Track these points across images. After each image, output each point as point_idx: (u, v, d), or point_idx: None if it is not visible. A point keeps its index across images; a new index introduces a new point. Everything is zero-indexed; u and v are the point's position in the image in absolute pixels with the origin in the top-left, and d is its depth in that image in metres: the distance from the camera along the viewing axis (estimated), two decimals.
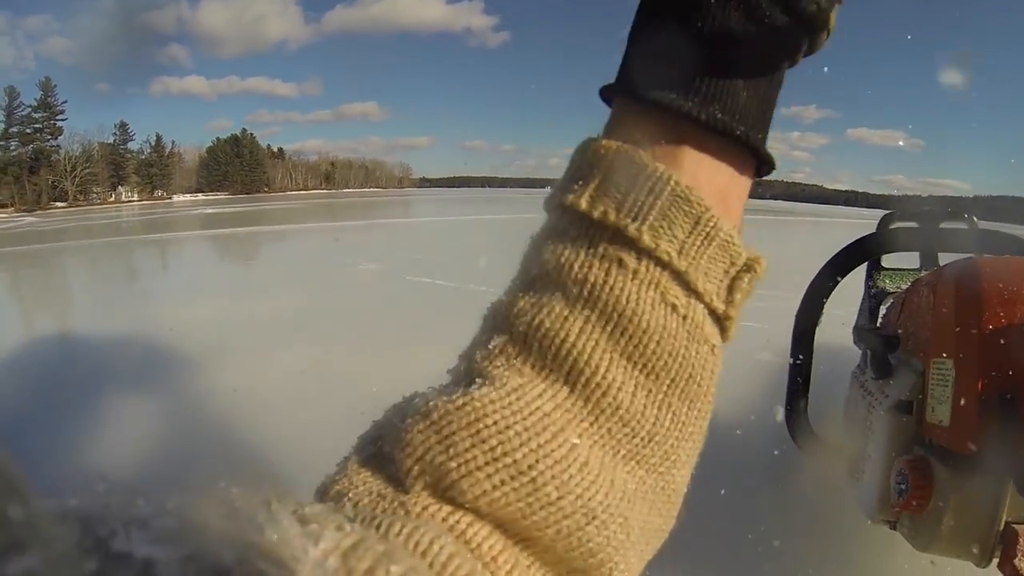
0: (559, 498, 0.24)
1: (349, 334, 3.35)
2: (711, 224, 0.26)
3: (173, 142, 54.68)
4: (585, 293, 0.26)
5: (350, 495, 0.25)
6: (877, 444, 1.12)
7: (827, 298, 1.48)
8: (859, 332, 1.34)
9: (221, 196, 49.61)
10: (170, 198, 49.65)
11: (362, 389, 2.16)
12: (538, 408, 0.25)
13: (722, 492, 1.17)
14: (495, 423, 0.24)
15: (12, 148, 43.29)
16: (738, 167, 0.28)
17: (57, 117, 45.47)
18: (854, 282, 1.58)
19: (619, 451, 0.26)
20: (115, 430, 2.21)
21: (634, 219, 0.26)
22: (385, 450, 0.27)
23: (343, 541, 0.20)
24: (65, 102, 45.76)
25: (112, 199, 47.38)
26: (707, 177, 0.27)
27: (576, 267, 0.26)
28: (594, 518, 0.25)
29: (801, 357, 1.50)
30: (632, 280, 0.26)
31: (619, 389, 0.26)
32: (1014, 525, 0.90)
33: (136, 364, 2.84)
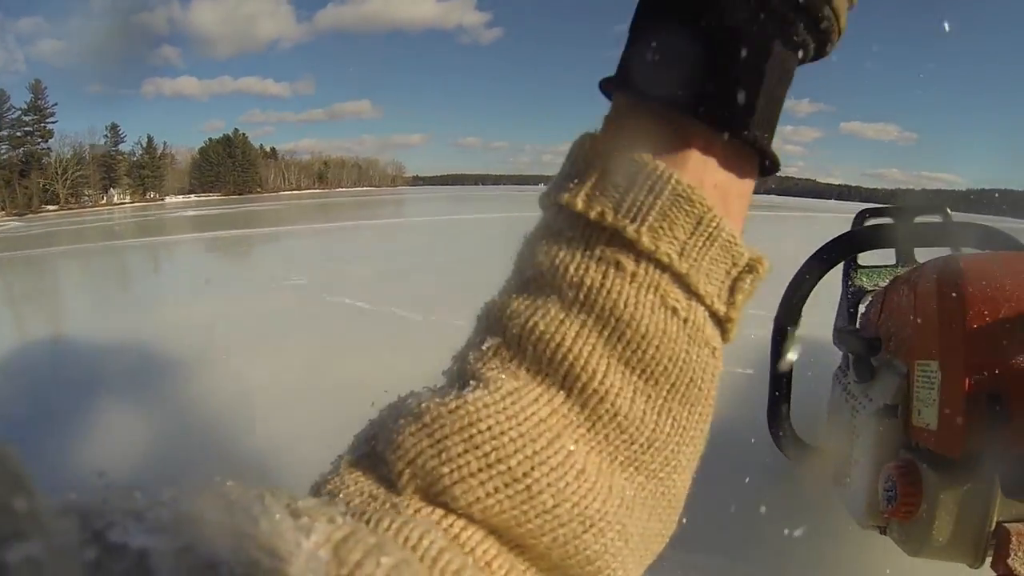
0: (555, 506, 0.24)
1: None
2: (713, 224, 0.25)
3: (165, 143, 54.55)
4: (581, 297, 0.25)
5: (342, 494, 0.25)
6: (863, 449, 1.10)
7: (806, 299, 1.45)
8: (840, 334, 1.31)
9: (213, 197, 49.37)
10: (162, 200, 49.39)
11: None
12: (533, 413, 0.24)
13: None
14: (489, 428, 0.24)
15: (2, 151, 43.13)
16: (742, 166, 0.27)
17: (47, 120, 45.24)
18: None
19: (617, 457, 0.25)
20: (91, 438, 2.20)
21: (633, 220, 0.25)
22: (379, 449, 0.26)
23: (334, 533, 0.20)
24: (55, 104, 45.57)
25: (104, 201, 47.12)
26: (710, 176, 0.26)
27: (572, 269, 0.25)
28: (591, 526, 0.24)
29: (781, 359, 1.48)
30: (630, 283, 0.25)
31: (617, 395, 0.25)
32: (1006, 524, 0.89)
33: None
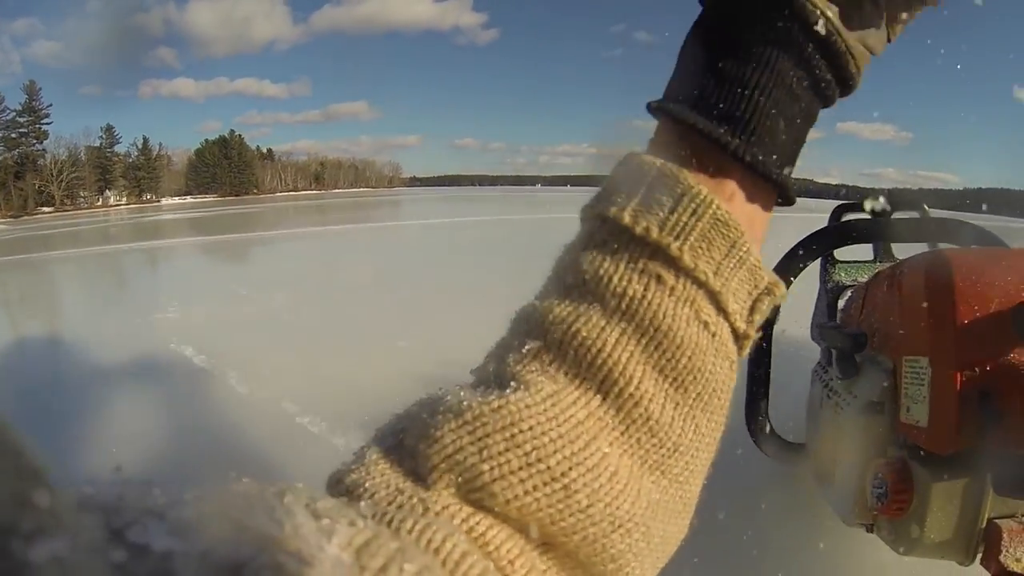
0: (589, 505, 0.25)
1: None
2: (744, 249, 0.27)
3: (160, 144, 54.49)
4: (623, 306, 0.27)
5: (366, 485, 0.25)
6: (848, 447, 1.08)
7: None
8: (822, 330, 1.27)
9: (209, 199, 49.34)
10: (159, 201, 49.34)
11: None
12: (572, 416, 0.25)
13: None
14: (531, 428, 0.25)
15: None
16: (765, 200, 0.30)
17: (42, 121, 45.18)
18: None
19: (647, 461, 0.27)
20: (73, 441, 2.18)
21: (676, 238, 0.27)
22: (408, 443, 0.27)
23: (356, 537, 0.20)
24: (50, 106, 45.53)
25: (100, 203, 47.04)
26: (739, 205, 0.28)
27: (616, 280, 0.27)
28: (620, 526, 0.25)
29: (759, 357, 1.45)
30: (669, 296, 0.26)
31: (650, 400, 0.26)
32: (997, 521, 0.88)
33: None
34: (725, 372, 0.28)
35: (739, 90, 0.27)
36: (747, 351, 0.29)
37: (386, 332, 3.43)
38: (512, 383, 0.26)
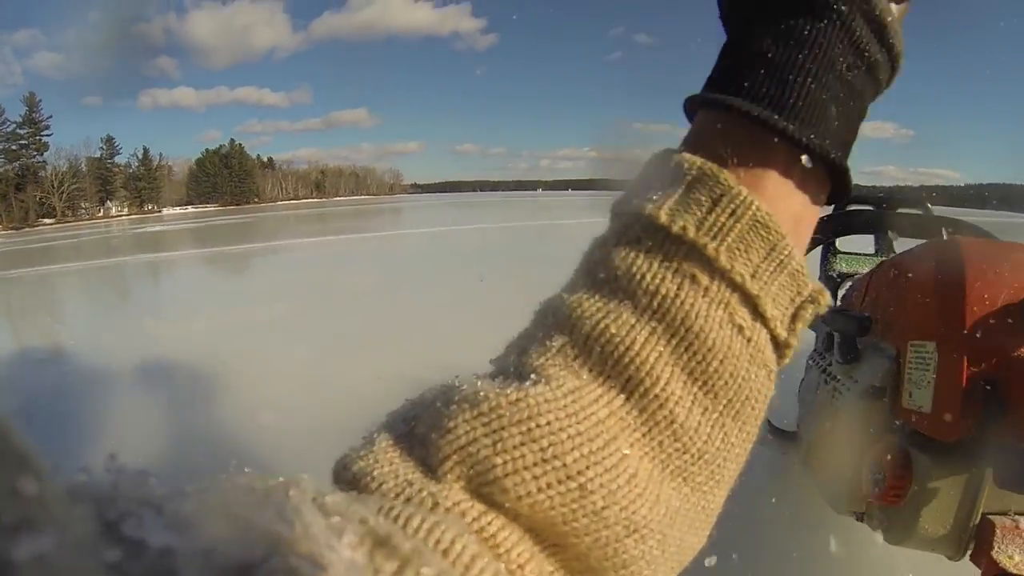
0: (604, 507, 0.24)
1: None
2: (785, 252, 0.26)
3: (161, 154, 54.70)
4: (655, 304, 0.26)
5: (374, 474, 0.25)
6: (845, 431, 1.07)
7: None
8: (826, 314, 1.27)
9: (210, 208, 49.44)
10: (160, 211, 49.47)
11: None
12: (592, 413, 0.24)
13: None
14: (548, 423, 0.24)
15: None
16: (815, 193, 0.28)
17: (43, 132, 45.40)
18: None
19: (668, 466, 0.26)
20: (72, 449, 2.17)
21: (713, 238, 0.26)
22: (419, 431, 0.26)
23: (368, 537, 0.20)
24: (50, 117, 45.76)
25: (101, 214, 47.18)
26: (785, 201, 0.27)
27: (648, 278, 0.26)
28: (634, 531, 0.24)
29: None
30: (703, 297, 0.26)
31: (676, 403, 0.25)
32: (990, 516, 0.88)
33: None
34: (761, 380, 0.27)
35: (786, 77, 0.26)
36: (787, 361, 0.28)
37: (388, 339, 3.45)
38: (532, 376, 0.26)
